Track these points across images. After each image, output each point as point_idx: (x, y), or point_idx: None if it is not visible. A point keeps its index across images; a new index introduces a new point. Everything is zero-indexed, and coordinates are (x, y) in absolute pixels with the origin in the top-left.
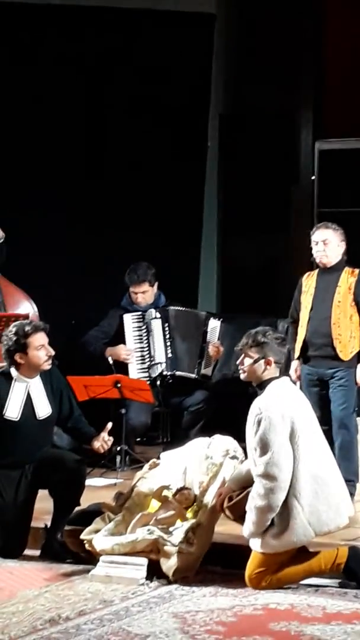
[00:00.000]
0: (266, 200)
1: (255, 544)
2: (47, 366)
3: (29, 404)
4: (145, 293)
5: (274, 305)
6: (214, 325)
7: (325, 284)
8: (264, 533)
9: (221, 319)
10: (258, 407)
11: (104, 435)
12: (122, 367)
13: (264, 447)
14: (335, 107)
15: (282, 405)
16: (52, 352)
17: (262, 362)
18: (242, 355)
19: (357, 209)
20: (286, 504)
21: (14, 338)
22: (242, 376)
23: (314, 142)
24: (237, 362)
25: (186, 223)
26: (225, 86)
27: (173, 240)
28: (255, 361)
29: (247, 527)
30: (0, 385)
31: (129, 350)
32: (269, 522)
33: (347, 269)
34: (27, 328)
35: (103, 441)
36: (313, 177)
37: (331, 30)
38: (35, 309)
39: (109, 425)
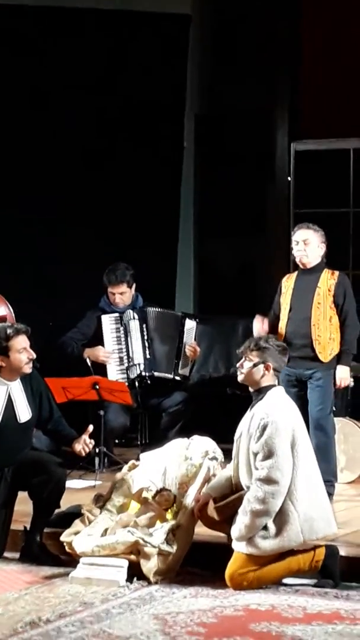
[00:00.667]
0: (242, 201)
1: (240, 546)
2: (28, 369)
3: (9, 407)
4: (123, 294)
5: (252, 306)
6: (190, 326)
7: (304, 285)
8: (253, 535)
9: (197, 319)
10: (264, 412)
11: (85, 438)
12: (100, 368)
13: (269, 451)
14: (311, 108)
15: (286, 413)
16: (34, 355)
17: (261, 366)
18: (243, 358)
19: (333, 210)
20: (283, 510)
21: None
22: (240, 378)
23: (289, 142)
24: (237, 364)
25: (163, 224)
26: (200, 87)
27: (150, 241)
28: (255, 365)
29: (238, 530)
30: None
31: (107, 352)
32: (261, 527)
33: (326, 271)
34: (9, 331)
35: (84, 444)
36: (289, 178)
37: (307, 31)
38: (11, 310)
39: (90, 428)
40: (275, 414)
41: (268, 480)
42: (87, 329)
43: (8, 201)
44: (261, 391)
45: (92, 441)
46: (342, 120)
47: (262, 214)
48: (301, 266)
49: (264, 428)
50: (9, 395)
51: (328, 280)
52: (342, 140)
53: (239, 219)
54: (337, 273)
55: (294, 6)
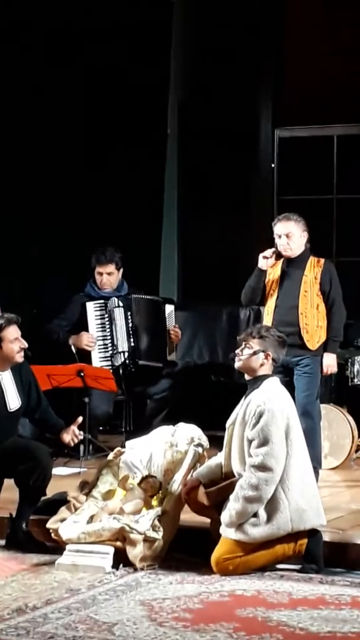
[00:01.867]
0: (226, 188)
1: (229, 532)
2: (20, 359)
3: (0, 396)
4: (110, 275)
5: (236, 293)
6: (170, 310)
7: (290, 273)
8: (243, 522)
9: (173, 302)
10: (261, 400)
11: (74, 428)
12: (86, 355)
13: (265, 438)
14: (294, 94)
15: (282, 402)
16: (25, 345)
17: (261, 354)
18: (243, 345)
19: (317, 197)
20: (274, 497)
21: None
22: (237, 364)
23: (273, 129)
24: (237, 350)
25: (147, 211)
26: (184, 73)
27: (134, 228)
28: (255, 352)
29: (228, 515)
30: None
31: (91, 338)
32: (252, 514)
33: (312, 259)
34: (1, 321)
35: (73, 435)
36: (273, 165)
37: (291, 17)
38: None
39: (80, 419)
40: (271, 402)
41: (262, 467)
42: (72, 314)
43: None
44: (257, 380)
45: (81, 432)
46: (325, 107)
47: (246, 201)
48: (286, 257)
49: (260, 415)
50: (0, 384)
51: (314, 268)
52: (325, 127)
53: (222, 206)
54: (322, 260)
55: None
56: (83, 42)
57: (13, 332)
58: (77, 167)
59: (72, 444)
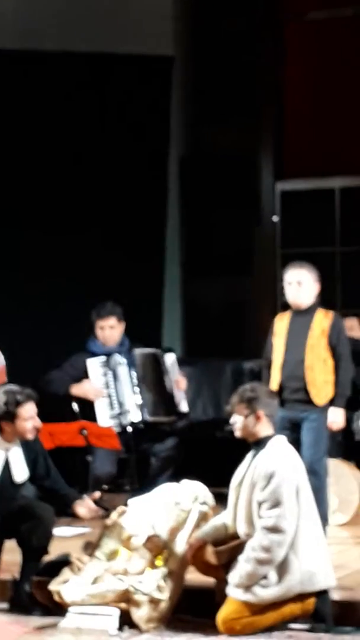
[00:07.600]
0: (229, 242)
1: (238, 592)
2: (30, 436)
3: (6, 468)
4: (112, 329)
5: (239, 347)
6: (172, 360)
7: (298, 327)
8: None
9: (173, 352)
10: (269, 461)
11: (91, 504)
12: (88, 413)
13: (276, 500)
14: (295, 148)
15: (291, 463)
16: (39, 425)
17: (251, 417)
18: (233, 415)
19: (320, 249)
20: (285, 559)
21: (3, 408)
22: (237, 434)
23: (274, 183)
24: (230, 421)
25: (149, 267)
26: (184, 129)
27: (136, 284)
28: (245, 417)
29: (238, 576)
30: None
31: (97, 389)
32: (263, 575)
33: (320, 311)
34: (19, 397)
35: (89, 509)
36: (275, 218)
37: (290, 72)
38: (2, 359)
39: (97, 494)
40: (281, 463)
41: (275, 529)
42: (72, 370)
43: None
44: (261, 442)
45: (99, 509)
46: (326, 159)
47: (248, 255)
48: (294, 307)
49: (271, 477)
50: (7, 457)
51: (322, 321)
52: (327, 180)
53: (225, 260)
54: (331, 313)
55: (278, 47)
56: (85, 100)
57: (30, 410)
58: (79, 223)
59: (88, 517)
